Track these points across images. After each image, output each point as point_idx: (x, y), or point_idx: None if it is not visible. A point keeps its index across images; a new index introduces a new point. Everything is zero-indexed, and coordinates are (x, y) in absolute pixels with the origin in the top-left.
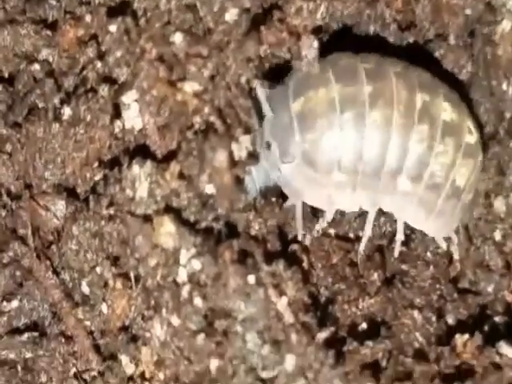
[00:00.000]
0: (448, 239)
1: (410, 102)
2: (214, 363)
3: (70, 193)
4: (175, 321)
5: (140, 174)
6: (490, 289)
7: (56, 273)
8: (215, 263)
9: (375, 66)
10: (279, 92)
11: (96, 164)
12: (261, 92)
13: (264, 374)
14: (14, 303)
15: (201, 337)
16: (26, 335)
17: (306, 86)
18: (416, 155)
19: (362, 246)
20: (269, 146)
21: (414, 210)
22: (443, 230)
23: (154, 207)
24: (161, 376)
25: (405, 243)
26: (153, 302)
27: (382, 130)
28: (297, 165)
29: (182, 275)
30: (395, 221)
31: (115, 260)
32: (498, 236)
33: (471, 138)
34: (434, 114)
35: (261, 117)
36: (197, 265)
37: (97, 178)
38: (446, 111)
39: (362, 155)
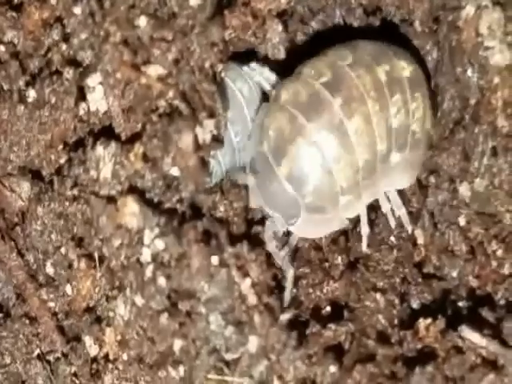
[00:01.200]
0: (415, 220)
1: (376, 82)
2: (177, 344)
3: (35, 175)
4: (139, 301)
5: (104, 154)
6: (454, 274)
7: (20, 254)
8: (179, 243)
9: (330, 72)
10: (259, 157)
11: (61, 146)
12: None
13: (227, 356)
14: None
15: (164, 317)
16: None
17: (283, 143)
18: (399, 126)
19: (364, 246)
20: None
21: (400, 176)
22: (413, 177)
23: (117, 188)
24: (124, 357)
25: (369, 227)
26: (117, 283)
27: (366, 129)
28: (303, 219)
29: (146, 255)
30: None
31: (79, 241)
32: (462, 221)
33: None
34: (399, 78)
35: (224, 101)
36: (160, 245)
37: (61, 160)
38: (405, 68)
39: (358, 165)
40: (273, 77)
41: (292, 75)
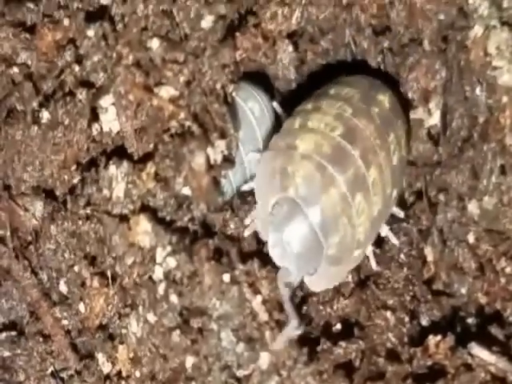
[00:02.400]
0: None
1: (377, 128)
2: (189, 360)
3: (48, 194)
4: (151, 318)
5: (117, 174)
6: (463, 291)
7: (34, 272)
8: (191, 261)
9: (341, 125)
10: (284, 203)
11: (74, 166)
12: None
13: (239, 372)
14: None
15: (176, 334)
16: (4, 334)
17: (314, 191)
18: (397, 163)
19: (373, 265)
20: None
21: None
22: None
23: (130, 207)
24: (137, 374)
25: (379, 245)
26: (129, 300)
27: (379, 178)
28: (321, 271)
29: (158, 273)
30: None
31: (92, 259)
32: (471, 238)
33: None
34: (385, 115)
35: (236, 121)
36: (172, 263)
37: (75, 179)
38: (384, 100)
39: (374, 216)
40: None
41: (294, 124)
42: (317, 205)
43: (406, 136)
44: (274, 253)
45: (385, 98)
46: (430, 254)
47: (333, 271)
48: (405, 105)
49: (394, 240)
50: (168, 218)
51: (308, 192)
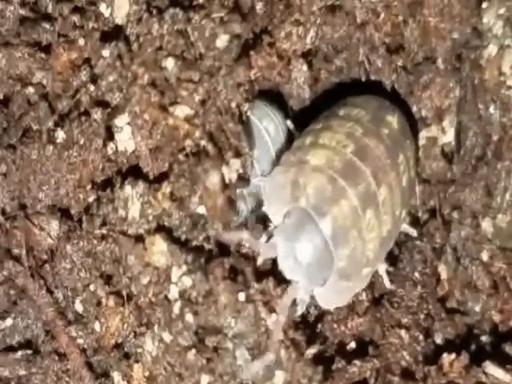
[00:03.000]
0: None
1: (387, 149)
2: (204, 379)
3: (64, 213)
4: (167, 337)
5: (132, 194)
6: (477, 308)
7: (49, 291)
8: (206, 280)
9: (352, 143)
10: (295, 212)
11: (89, 186)
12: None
13: None
14: (8, 321)
15: (192, 353)
16: (19, 353)
17: (326, 202)
18: (407, 184)
19: (387, 283)
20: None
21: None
22: None
23: (145, 227)
24: None
25: (393, 263)
26: (145, 319)
27: (389, 198)
28: (331, 283)
29: (174, 292)
30: None
31: (108, 278)
32: (485, 256)
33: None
34: (394, 135)
35: (250, 140)
36: (188, 282)
37: (90, 199)
38: (393, 121)
39: (383, 236)
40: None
41: (305, 142)
42: (328, 215)
43: (414, 157)
44: (284, 265)
45: (393, 119)
46: (443, 271)
47: (342, 286)
48: (413, 124)
49: (387, 283)
50: (183, 238)
51: (319, 202)
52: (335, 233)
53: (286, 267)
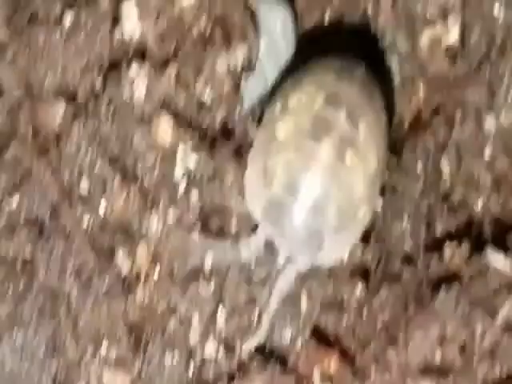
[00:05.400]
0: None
1: (361, 89)
2: (208, 259)
3: (71, 97)
4: (171, 217)
5: (138, 75)
6: (478, 204)
7: (55, 172)
8: (211, 161)
9: (324, 90)
10: (271, 201)
11: (96, 70)
12: None
13: (255, 275)
14: (15, 201)
15: (196, 233)
16: (25, 232)
17: (295, 176)
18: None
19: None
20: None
21: None
22: None
23: (151, 107)
24: (156, 273)
25: (395, 155)
26: (150, 200)
27: (369, 133)
28: (328, 244)
29: (179, 172)
30: None
31: (114, 159)
32: (487, 154)
33: None
34: (365, 79)
35: (257, 30)
36: (193, 162)
37: (97, 83)
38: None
39: (372, 167)
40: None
41: (275, 108)
42: (301, 190)
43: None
44: (282, 253)
45: (362, 69)
46: (446, 167)
47: (342, 237)
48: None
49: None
50: (189, 119)
51: (290, 179)
52: (315, 206)
53: (284, 253)
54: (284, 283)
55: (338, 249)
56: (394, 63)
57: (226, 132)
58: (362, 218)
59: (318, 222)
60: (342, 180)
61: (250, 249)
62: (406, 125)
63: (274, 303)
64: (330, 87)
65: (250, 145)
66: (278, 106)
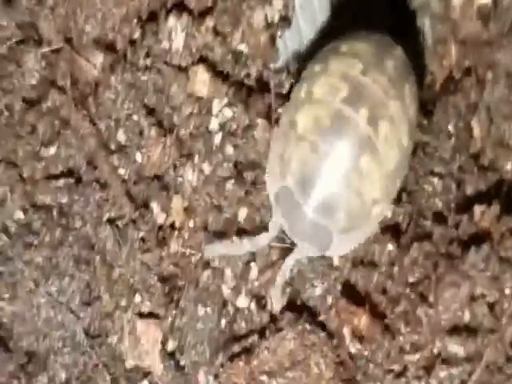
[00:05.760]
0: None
1: (391, 78)
2: (243, 211)
3: (109, 46)
4: (206, 168)
5: (176, 26)
6: (508, 167)
7: (93, 122)
8: (247, 113)
9: (348, 85)
10: (283, 192)
11: (135, 20)
12: None
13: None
14: (52, 150)
15: (230, 184)
16: (61, 181)
17: (308, 175)
18: (413, 113)
19: None
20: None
21: None
22: None
23: (188, 58)
24: (190, 224)
25: (427, 116)
26: (186, 151)
27: (391, 128)
28: (337, 242)
29: (215, 124)
30: None
31: (151, 109)
32: None
33: None
34: (402, 65)
35: None
36: (229, 114)
37: (135, 32)
38: (397, 54)
39: (390, 169)
40: None
41: (299, 93)
42: (312, 193)
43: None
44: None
45: (398, 52)
46: (476, 129)
47: (353, 234)
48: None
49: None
50: (225, 72)
51: (302, 178)
52: (323, 208)
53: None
54: (292, 262)
55: (349, 245)
56: (426, 24)
57: (262, 85)
58: (377, 215)
59: (327, 222)
60: (355, 184)
61: (258, 244)
62: (438, 85)
63: (281, 279)
64: (355, 80)
65: (285, 98)
66: (303, 90)
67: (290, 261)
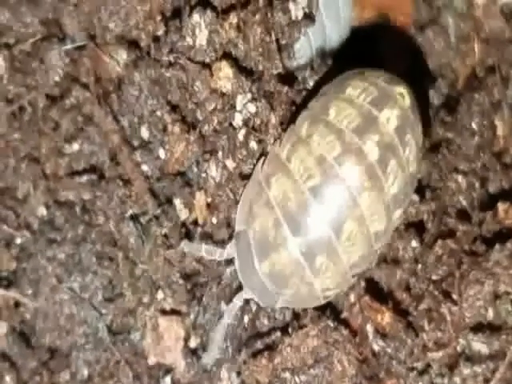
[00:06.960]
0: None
1: (369, 165)
2: None
3: (133, 43)
4: (230, 164)
5: (200, 22)
6: None
7: (116, 119)
8: (270, 109)
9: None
10: (242, 237)
11: (159, 17)
12: None
13: None
14: (75, 147)
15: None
16: (85, 177)
17: (266, 245)
18: (399, 185)
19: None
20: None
21: None
22: None
23: (212, 54)
24: (213, 221)
25: (450, 113)
26: (209, 147)
27: (359, 228)
28: (282, 304)
29: (238, 120)
30: None
31: (174, 105)
32: None
33: None
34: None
35: None
36: (252, 110)
37: (159, 29)
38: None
39: (365, 250)
40: None
41: (284, 148)
42: (266, 260)
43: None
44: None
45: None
46: (500, 127)
47: (298, 304)
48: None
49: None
50: (249, 68)
51: (260, 244)
52: (274, 277)
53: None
54: (241, 302)
55: (297, 306)
56: (450, 21)
57: (285, 80)
58: (328, 297)
59: (274, 289)
60: (307, 279)
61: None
62: (461, 83)
63: (225, 320)
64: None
65: (308, 96)
66: (289, 143)
67: (237, 301)
